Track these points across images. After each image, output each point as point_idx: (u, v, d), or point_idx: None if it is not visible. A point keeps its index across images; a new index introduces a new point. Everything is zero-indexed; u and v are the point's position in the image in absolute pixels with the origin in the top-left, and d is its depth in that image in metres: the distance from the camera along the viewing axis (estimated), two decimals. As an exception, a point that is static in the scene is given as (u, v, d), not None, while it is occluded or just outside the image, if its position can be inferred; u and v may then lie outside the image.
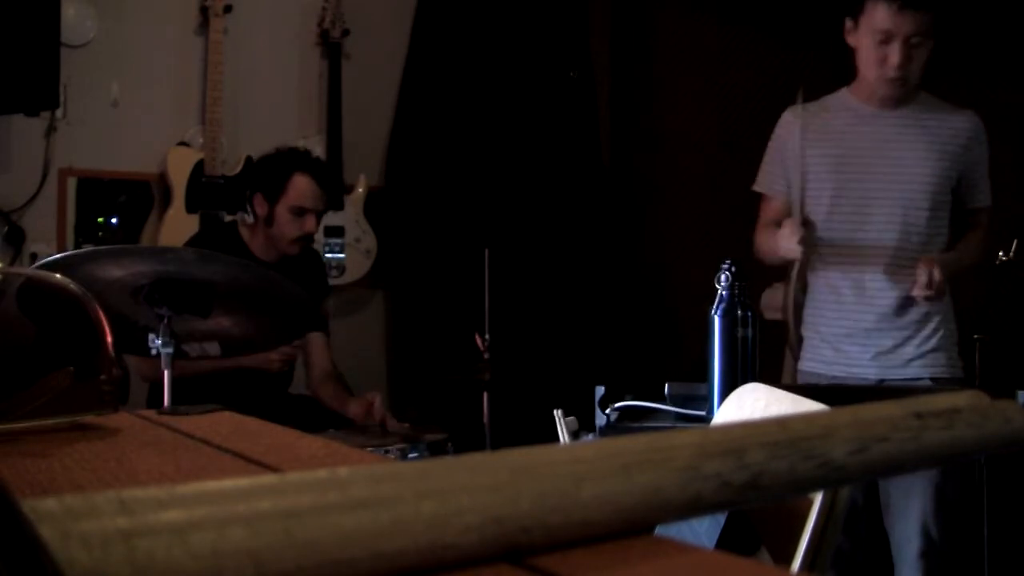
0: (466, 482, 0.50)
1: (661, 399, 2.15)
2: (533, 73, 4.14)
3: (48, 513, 0.40)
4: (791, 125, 2.59)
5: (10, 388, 1.01)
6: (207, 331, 2.04)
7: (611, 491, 0.53)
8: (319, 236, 3.73)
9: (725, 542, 1.07)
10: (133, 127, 3.62)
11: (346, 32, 3.96)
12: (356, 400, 2.96)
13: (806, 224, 2.46)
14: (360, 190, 3.94)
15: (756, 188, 2.67)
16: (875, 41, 2.42)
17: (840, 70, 2.59)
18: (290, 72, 3.98)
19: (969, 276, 2.67)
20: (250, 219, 3.04)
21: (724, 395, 1.77)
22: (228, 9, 3.69)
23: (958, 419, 0.68)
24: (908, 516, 2.37)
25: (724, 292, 2.04)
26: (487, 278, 3.15)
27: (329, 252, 3.83)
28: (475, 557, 0.49)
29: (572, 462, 0.54)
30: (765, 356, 2.17)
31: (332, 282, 3.82)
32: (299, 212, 2.94)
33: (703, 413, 2.07)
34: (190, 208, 3.58)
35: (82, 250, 2.61)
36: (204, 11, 3.69)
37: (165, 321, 1.80)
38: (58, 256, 1.99)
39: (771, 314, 2.97)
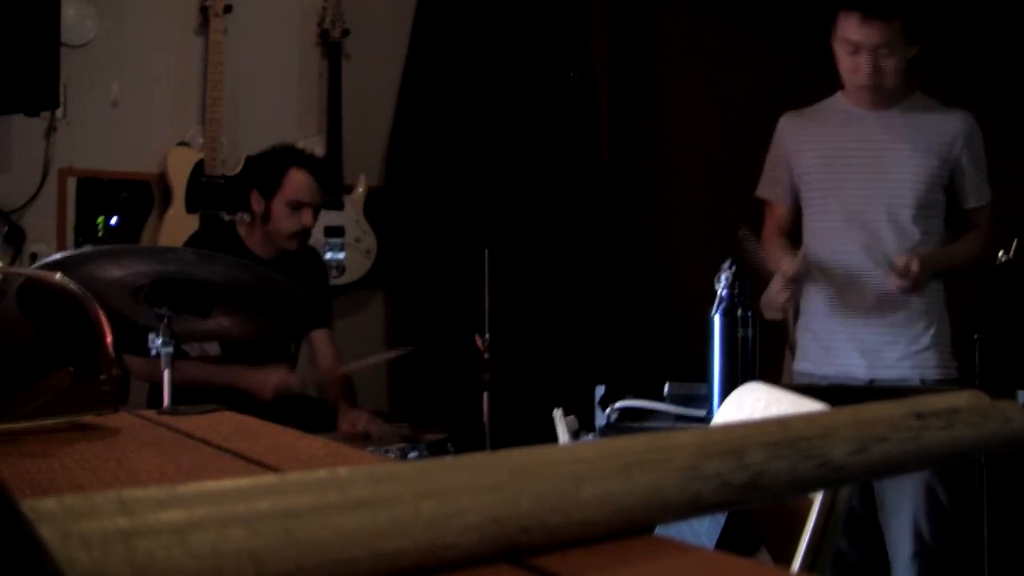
0: (466, 482, 0.50)
1: (661, 399, 2.15)
2: (533, 73, 4.14)
3: (48, 513, 0.40)
4: (786, 130, 2.65)
5: (10, 388, 1.01)
6: (207, 331, 2.04)
7: (611, 491, 0.53)
8: (319, 236, 3.73)
9: (725, 542, 1.07)
10: (133, 127, 3.62)
11: (346, 32, 3.96)
12: (345, 418, 2.95)
13: (796, 279, 2.45)
14: (360, 190, 3.94)
15: (759, 194, 2.70)
16: (846, 51, 2.45)
17: (839, 71, 2.60)
18: (290, 72, 3.98)
19: (969, 276, 2.67)
20: (247, 217, 3.05)
21: (724, 395, 1.77)
22: (228, 9, 3.69)
23: (958, 419, 0.68)
24: (900, 517, 2.38)
25: (724, 292, 2.04)
26: (487, 278, 3.15)
27: (329, 252, 3.83)
28: (475, 557, 0.49)
29: (572, 462, 0.54)
30: (765, 356, 2.17)
31: (332, 282, 3.82)
32: (296, 206, 2.94)
33: (703, 413, 2.07)
34: (190, 208, 3.58)
35: (82, 250, 2.61)
36: (204, 11, 3.69)
37: (165, 321, 1.80)
38: (58, 256, 1.99)
39: (771, 314, 2.97)
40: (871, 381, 2.49)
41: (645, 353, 4.09)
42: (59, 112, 3.45)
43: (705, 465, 0.56)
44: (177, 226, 3.50)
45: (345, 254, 3.89)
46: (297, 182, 2.95)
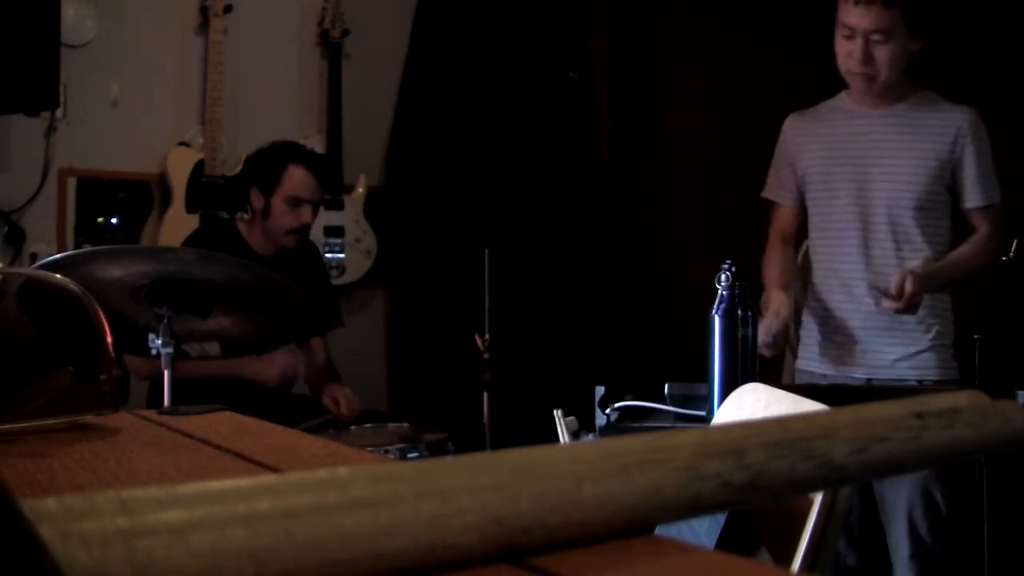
0: (466, 482, 0.50)
1: (661, 399, 2.15)
2: (533, 73, 4.14)
3: (48, 513, 0.40)
4: (790, 131, 2.62)
5: (10, 388, 1.01)
6: (207, 331, 2.04)
7: (611, 491, 0.53)
8: (319, 236, 3.73)
9: (725, 542, 1.07)
10: (133, 127, 3.62)
11: (346, 32, 3.96)
12: (328, 394, 2.98)
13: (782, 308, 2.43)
14: (360, 190, 3.94)
15: (764, 195, 2.67)
16: (841, 37, 2.42)
17: (839, 71, 2.59)
18: (290, 72, 3.98)
19: (962, 279, 2.64)
20: (247, 215, 3.05)
21: (724, 395, 1.77)
22: (228, 9, 3.69)
23: (958, 419, 0.68)
24: (897, 518, 2.37)
25: (724, 292, 2.04)
26: (487, 278, 3.15)
27: (329, 252, 3.83)
28: (475, 557, 0.49)
29: (572, 462, 0.54)
30: (765, 356, 2.18)
31: (332, 282, 3.82)
32: (295, 203, 2.94)
33: (703, 413, 2.07)
34: (190, 208, 3.58)
35: (82, 250, 2.61)
36: (204, 11, 3.69)
37: (165, 321, 1.80)
38: (58, 256, 1.99)
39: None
40: (868, 381, 2.48)
41: (645, 353, 4.09)
42: (59, 112, 3.45)
43: (705, 465, 0.56)
44: (177, 226, 3.50)
45: (345, 254, 3.89)
46: (296, 179, 2.95)
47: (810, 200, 2.60)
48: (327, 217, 3.80)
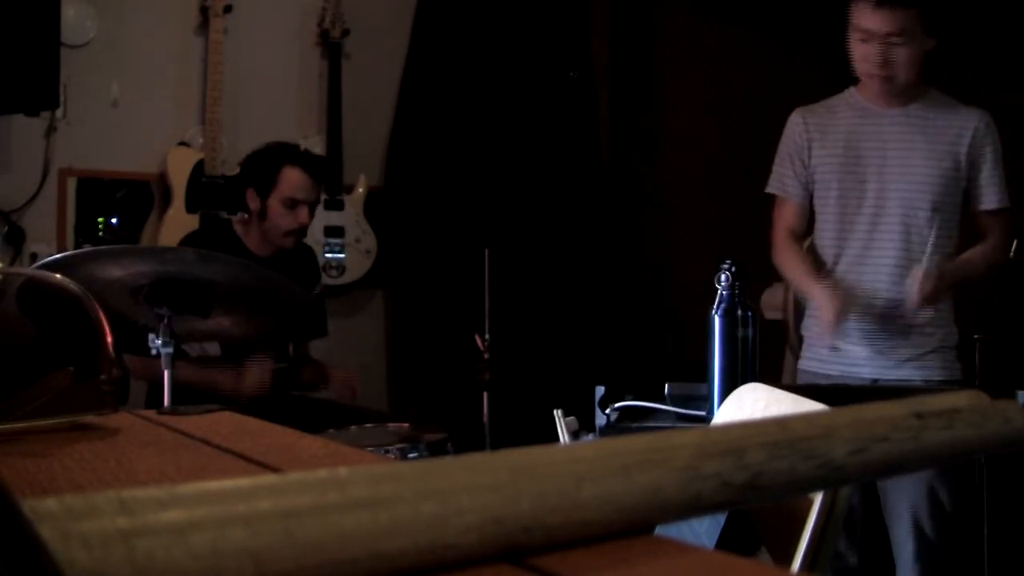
0: (466, 482, 0.50)
1: (661, 399, 2.15)
2: (533, 73, 4.14)
3: (48, 513, 0.40)
4: (798, 126, 2.58)
5: (10, 388, 1.01)
6: (207, 331, 2.04)
7: (611, 491, 0.53)
8: (319, 236, 3.73)
9: (725, 542, 1.07)
10: (133, 127, 3.62)
11: (346, 32, 3.96)
12: (336, 381, 3.00)
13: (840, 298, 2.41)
14: (360, 190, 3.94)
15: (769, 190, 2.65)
16: (858, 40, 2.41)
17: (839, 70, 2.59)
18: (290, 72, 3.98)
19: (973, 280, 2.64)
20: (245, 216, 3.04)
21: (724, 395, 1.77)
22: (228, 9, 3.69)
23: (958, 419, 0.68)
24: (902, 518, 2.37)
25: (724, 292, 2.04)
26: (487, 278, 3.15)
27: (329, 252, 3.83)
28: (475, 557, 0.49)
29: (572, 462, 0.54)
30: (765, 356, 2.17)
31: (332, 282, 3.82)
32: (291, 204, 2.94)
33: (703, 413, 2.07)
34: (190, 208, 3.58)
35: (82, 250, 2.61)
36: (204, 11, 3.69)
37: (165, 321, 1.80)
38: (58, 256, 1.99)
39: (771, 314, 2.97)
40: (875, 381, 2.48)
41: (645, 353, 4.09)
42: (59, 112, 3.45)
43: (705, 465, 0.56)
44: (177, 226, 3.50)
45: (345, 254, 3.89)
46: (292, 180, 2.95)
47: (818, 197, 2.56)
48: (327, 217, 3.80)
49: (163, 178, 3.63)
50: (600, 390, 2.12)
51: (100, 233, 3.58)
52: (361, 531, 0.46)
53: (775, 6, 4.02)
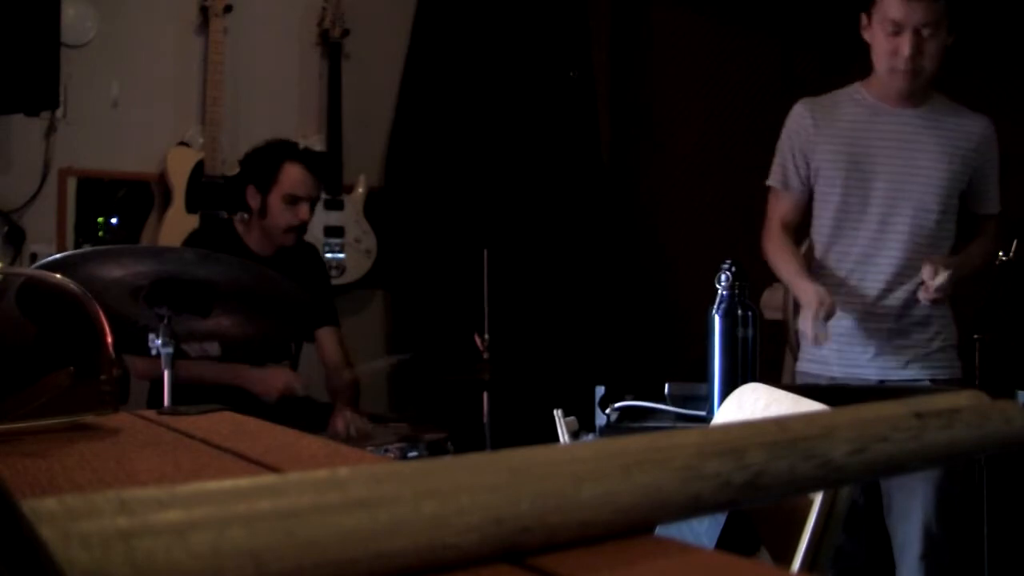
0: (466, 482, 0.50)
1: (661, 399, 2.15)
2: (533, 73, 4.14)
3: (48, 513, 0.40)
4: (801, 119, 2.56)
5: (10, 388, 1.01)
6: (207, 331, 2.04)
7: (611, 491, 0.53)
8: (319, 236, 3.73)
9: (725, 542, 1.07)
10: (133, 127, 3.62)
11: (346, 32, 3.96)
12: (338, 417, 2.95)
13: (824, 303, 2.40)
14: (360, 190, 3.94)
15: (769, 183, 2.63)
16: (886, 32, 2.39)
17: (838, 70, 2.59)
18: (290, 72, 3.98)
19: (969, 276, 2.66)
20: (246, 214, 3.04)
21: (724, 395, 1.77)
22: (228, 9, 3.69)
23: (958, 419, 0.68)
24: (910, 517, 2.36)
25: (724, 292, 2.04)
26: (487, 278, 3.15)
27: (329, 252, 3.83)
28: (475, 557, 0.49)
29: (572, 462, 0.54)
30: (765, 356, 2.17)
31: (332, 282, 3.82)
32: (292, 201, 2.94)
33: (703, 413, 2.07)
34: (190, 208, 3.58)
35: (82, 250, 2.61)
36: (204, 11, 3.69)
37: (165, 321, 1.80)
38: (58, 256, 1.99)
39: (771, 314, 2.97)
40: (881, 382, 2.48)
41: (645, 353, 4.09)
42: (59, 112, 3.45)
43: (705, 465, 0.56)
44: (177, 226, 3.50)
45: (345, 254, 3.89)
46: (293, 176, 2.95)
47: (821, 193, 2.54)
48: (327, 217, 3.80)
49: (163, 178, 3.62)
50: (600, 390, 2.12)
51: (100, 233, 3.58)
52: (361, 531, 0.46)
53: (775, 6, 4.02)
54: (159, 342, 1.80)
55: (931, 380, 2.46)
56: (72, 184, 3.53)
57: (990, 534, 2.41)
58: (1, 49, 3.08)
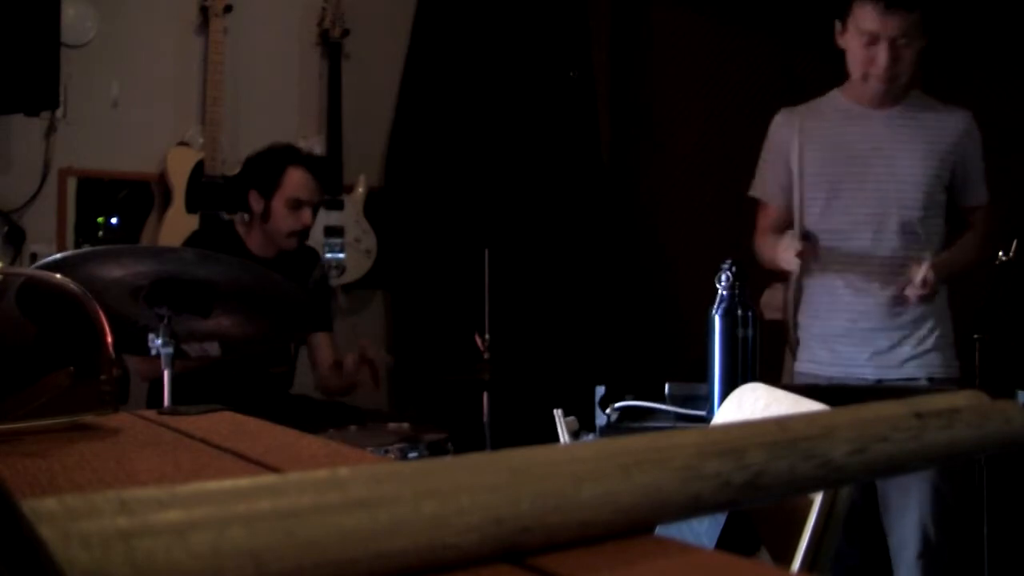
0: (466, 482, 0.50)
1: (661, 399, 2.15)
2: (533, 73, 4.14)
3: (48, 513, 0.40)
4: (784, 128, 2.58)
5: (10, 388, 1.01)
6: (207, 331, 2.04)
7: (611, 491, 0.53)
8: (319, 236, 3.73)
9: (725, 542, 1.07)
10: (133, 127, 3.62)
11: (346, 32, 3.96)
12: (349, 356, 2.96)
13: (806, 236, 2.45)
14: (360, 190, 3.94)
15: (752, 194, 2.66)
16: (862, 43, 2.41)
17: (839, 70, 2.59)
18: (290, 72, 3.98)
19: (969, 276, 2.66)
20: (247, 217, 3.05)
21: (724, 395, 1.77)
22: (228, 9, 3.69)
23: (958, 419, 0.68)
24: (906, 517, 2.36)
25: (724, 292, 2.04)
26: (487, 278, 3.15)
27: (329, 252, 3.83)
28: (475, 557, 0.49)
29: (572, 462, 0.54)
30: (765, 356, 2.17)
31: (332, 282, 3.82)
32: (295, 205, 2.94)
33: (703, 413, 2.07)
34: (190, 208, 3.58)
35: (82, 250, 2.61)
36: (204, 11, 3.69)
37: (165, 321, 1.80)
38: (58, 256, 1.99)
39: (771, 314, 2.96)
40: (879, 381, 2.48)
41: (645, 353, 4.09)
42: (59, 112, 3.45)
43: (705, 465, 0.56)
44: (177, 226, 3.50)
45: (345, 254, 3.89)
46: (296, 180, 2.96)
47: (809, 200, 2.56)
48: (327, 217, 3.80)
49: (163, 178, 3.62)
50: (600, 390, 2.12)
51: (100, 233, 3.58)
52: (361, 531, 0.46)
53: (775, 6, 4.02)
54: (159, 342, 1.80)
55: (928, 379, 2.47)
56: (72, 184, 3.53)
57: (990, 534, 2.41)
58: (1, 49, 3.08)
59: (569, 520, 0.52)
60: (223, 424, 1.12)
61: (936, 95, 2.60)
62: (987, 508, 2.40)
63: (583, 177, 4.23)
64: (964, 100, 2.61)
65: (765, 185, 2.63)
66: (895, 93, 2.49)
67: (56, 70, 3.22)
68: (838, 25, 2.48)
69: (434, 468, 0.51)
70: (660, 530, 0.58)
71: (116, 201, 3.62)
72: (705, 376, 2.06)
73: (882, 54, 2.39)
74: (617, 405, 2.12)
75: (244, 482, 0.47)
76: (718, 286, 2.04)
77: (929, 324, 2.49)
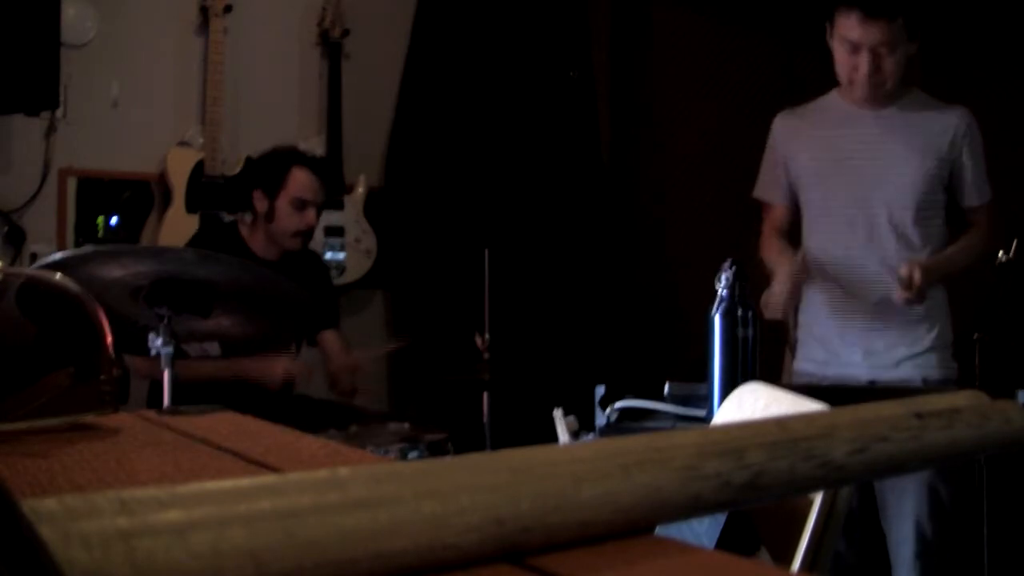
0: (466, 482, 0.50)
1: (661, 399, 2.15)
2: (533, 73, 4.14)
3: (48, 513, 0.40)
4: (782, 129, 2.61)
5: (10, 388, 1.01)
6: (207, 331, 2.04)
7: (611, 491, 0.53)
8: (319, 236, 3.73)
9: (725, 542, 1.07)
10: (133, 127, 3.62)
11: (346, 32, 3.96)
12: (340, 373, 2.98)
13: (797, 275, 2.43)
14: (360, 190, 3.94)
15: (756, 195, 2.68)
16: (844, 50, 2.42)
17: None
18: (290, 72, 3.98)
19: (969, 276, 2.66)
20: (250, 218, 3.05)
21: (724, 395, 1.77)
22: (228, 9, 3.69)
23: (958, 419, 0.68)
24: (903, 517, 2.36)
25: (724, 292, 2.04)
26: (487, 278, 3.15)
27: (329, 252, 3.83)
28: (475, 557, 0.49)
29: (572, 462, 0.54)
30: (765, 356, 2.17)
31: (332, 282, 3.82)
32: (300, 205, 2.95)
33: (703, 413, 2.07)
34: (190, 208, 3.58)
35: (82, 250, 2.61)
36: (204, 11, 3.69)
37: (165, 321, 1.80)
38: (58, 256, 1.99)
39: (771, 314, 2.97)
40: (872, 382, 2.48)
41: (645, 353, 4.09)
42: (59, 112, 3.45)
43: (705, 465, 0.56)
44: (177, 226, 3.50)
45: (345, 254, 3.89)
46: (300, 181, 2.97)
47: (805, 201, 2.58)
48: (327, 217, 3.79)
49: (163, 178, 3.62)
50: (600, 390, 2.12)
51: (100, 233, 3.58)
52: (361, 531, 0.46)
53: (775, 6, 4.02)
54: (159, 342, 1.80)
55: (923, 380, 2.46)
56: (72, 184, 3.53)
57: (990, 534, 2.40)
58: (1, 49, 3.08)
59: (569, 520, 0.52)
60: (223, 424, 1.12)
61: (935, 90, 2.60)
62: (987, 508, 2.40)
63: (583, 177, 4.23)
64: (962, 96, 2.61)
65: (768, 186, 2.64)
66: (885, 95, 2.48)
67: (56, 70, 3.22)
68: (828, 27, 2.49)
69: (434, 468, 0.51)
70: (660, 530, 0.58)
71: (116, 201, 3.62)
72: (705, 376, 2.06)
73: (863, 62, 2.40)
74: (617, 405, 2.12)
75: (244, 482, 0.47)
76: (718, 286, 2.04)
77: (925, 325, 2.48)
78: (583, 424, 2.06)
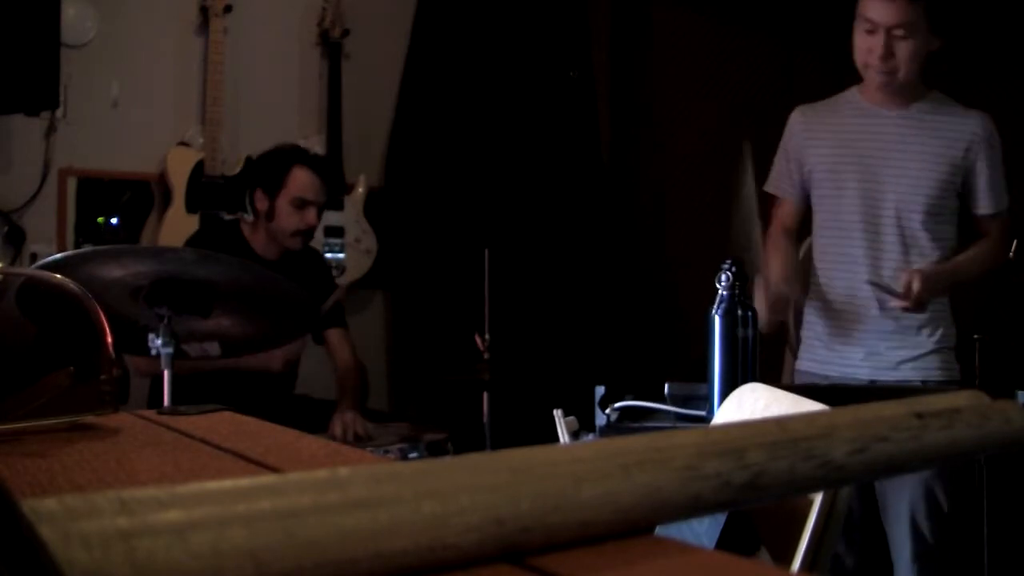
0: (466, 482, 0.50)
1: (661, 399, 2.15)
2: (533, 73, 4.14)
3: (48, 513, 0.40)
4: (797, 124, 2.59)
5: (10, 388, 1.01)
6: (207, 331, 2.04)
7: (611, 491, 0.53)
8: (319, 236, 3.73)
9: (725, 542, 1.07)
10: (133, 127, 3.62)
11: (346, 32, 3.96)
12: (338, 419, 2.93)
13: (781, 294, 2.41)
14: (360, 190, 3.94)
15: (767, 189, 2.65)
16: (863, 30, 2.40)
17: (840, 71, 2.59)
18: (290, 72, 3.98)
19: (966, 282, 2.64)
20: (251, 217, 3.05)
21: (724, 395, 1.77)
22: (228, 9, 3.69)
23: (958, 419, 0.68)
24: (900, 518, 2.36)
25: (724, 292, 2.04)
26: (487, 278, 3.15)
27: (329, 252, 3.83)
28: (475, 557, 0.49)
29: (572, 462, 0.54)
30: (765, 356, 2.17)
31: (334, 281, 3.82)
32: (300, 204, 2.95)
33: (703, 413, 2.07)
34: (190, 208, 3.58)
35: (82, 250, 2.61)
36: (204, 11, 3.69)
37: (165, 321, 1.80)
38: (58, 256, 1.99)
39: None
40: (872, 382, 2.48)
41: (645, 353, 4.09)
42: (59, 112, 3.45)
43: (705, 465, 0.56)
44: (177, 226, 3.50)
45: (345, 254, 3.89)
46: (301, 180, 2.96)
47: (816, 197, 2.56)
48: (327, 217, 3.79)
49: (163, 178, 3.62)
50: (600, 390, 2.12)
51: (100, 233, 3.58)
52: (361, 531, 0.46)
53: (775, 6, 4.02)
54: (159, 342, 1.80)
55: (922, 382, 2.45)
56: (72, 184, 3.53)
57: (990, 535, 2.40)
58: (1, 49, 3.08)
59: (569, 520, 0.52)
60: (223, 424, 1.12)
61: (960, 98, 2.56)
62: (987, 508, 2.40)
63: (583, 177, 4.23)
64: (962, 95, 2.60)
65: (779, 180, 2.61)
66: (899, 90, 2.45)
67: (56, 70, 3.22)
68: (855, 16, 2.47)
69: (434, 468, 0.51)
70: (660, 530, 0.58)
71: (116, 201, 3.62)
72: (705, 376, 2.06)
73: (878, 43, 2.37)
74: (617, 405, 2.12)
75: (244, 482, 0.47)
76: (718, 286, 2.04)
77: (929, 327, 2.47)
78: (583, 424, 2.06)
